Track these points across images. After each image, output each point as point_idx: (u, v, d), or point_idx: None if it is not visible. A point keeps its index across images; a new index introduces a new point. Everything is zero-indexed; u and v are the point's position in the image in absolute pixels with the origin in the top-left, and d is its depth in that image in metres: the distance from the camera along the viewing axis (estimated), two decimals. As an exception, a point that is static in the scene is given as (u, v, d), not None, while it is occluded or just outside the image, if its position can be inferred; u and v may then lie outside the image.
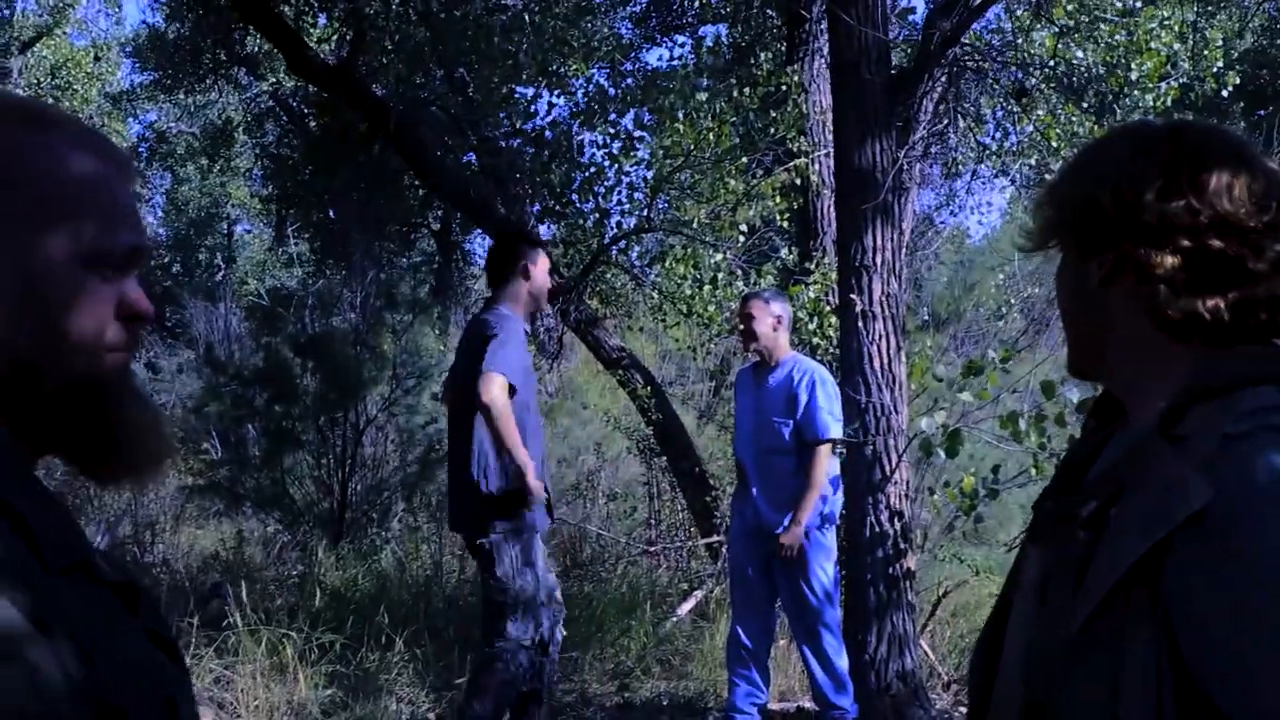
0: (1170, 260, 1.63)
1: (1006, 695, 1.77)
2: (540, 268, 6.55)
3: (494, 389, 5.95)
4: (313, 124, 16.18)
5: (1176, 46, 10.26)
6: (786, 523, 6.91)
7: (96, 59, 27.97)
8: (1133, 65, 10.03)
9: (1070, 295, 1.83)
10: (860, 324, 7.16)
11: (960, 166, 12.23)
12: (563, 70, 12.56)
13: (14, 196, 1.30)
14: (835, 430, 6.94)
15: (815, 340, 9.67)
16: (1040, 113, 10.18)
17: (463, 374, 6.36)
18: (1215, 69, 10.99)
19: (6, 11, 26.52)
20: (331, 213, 17.13)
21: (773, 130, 10.45)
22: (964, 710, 7.66)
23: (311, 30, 13.73)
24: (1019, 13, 10.27)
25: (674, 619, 9.28)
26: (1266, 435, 1.49)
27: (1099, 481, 1.70)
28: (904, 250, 7.61)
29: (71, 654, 1.22)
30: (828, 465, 6.97)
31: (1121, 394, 1.83)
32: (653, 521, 11.52)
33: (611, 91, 12.23)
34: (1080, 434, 1.99)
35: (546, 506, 6.42)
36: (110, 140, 1.50)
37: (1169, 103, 10.59)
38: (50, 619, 1.21)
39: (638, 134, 11.34)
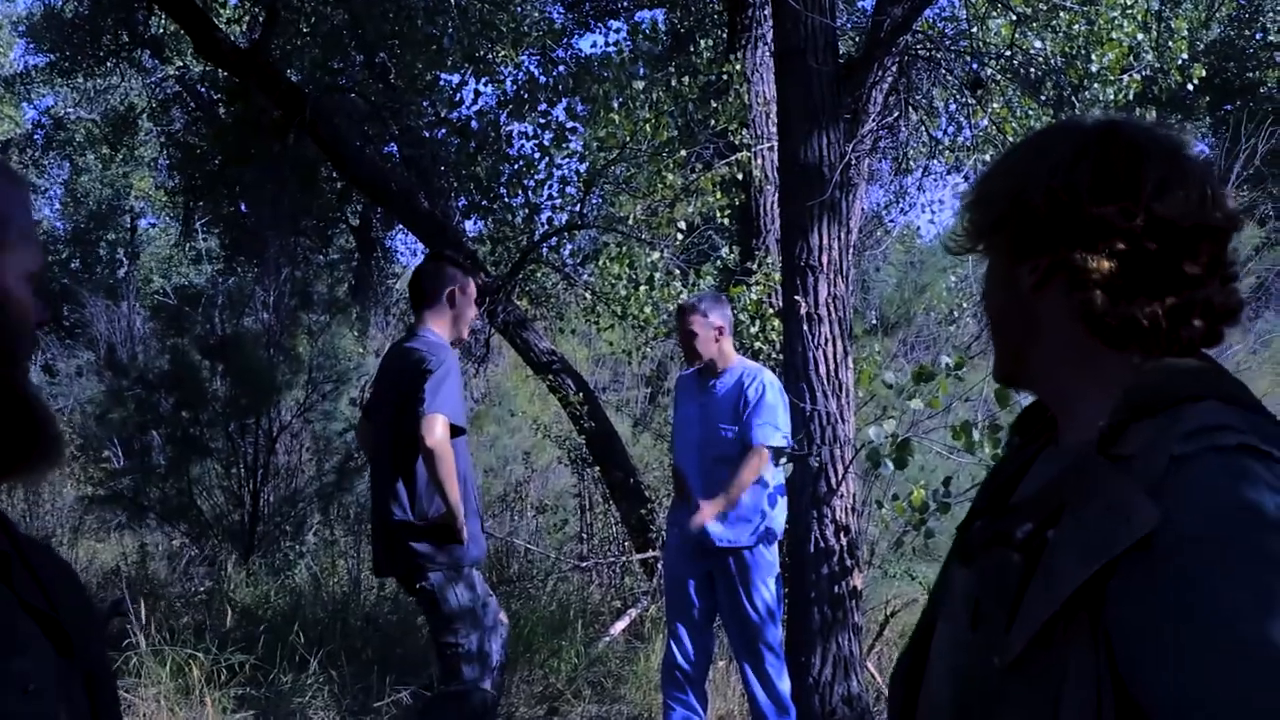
0: (1106, 264, 1.66)
1: (934, 715, 1.80)
2: (469, 295, 6.47)
3: (438, 431, 5.86)
4: (223, 111, 16.00)
5: (1139, 37, 10.30)
6: (737, 538, 6.93)
7: None
8: (1093, 56, 10.08)
9: (999, 300, 1.85)
10: (805, 327, 7.14)
11: (911, 162, 12.22)
12: (490, 56, 12.50)
13: None
14: (773, 439, 6.91)
15: (757, 344, 9.66)
16: (996, 105, 10.21)
17: (390, 406, 6.24)
18: (1180, 61, 11.02)
19: None
20: (243, 206, 16.96)
21: (713, 122, 10.42)
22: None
23: (221, 10, 13.64)
24: (974, 3, 10.35)
25: (606, 639, 9.25)
26: (1214, 457, 1.50)
27: (1034, 502, 1.71)
28: (851, 250, 7.61)
29: None
30: (760, 469, 6.92)
31: (1052, 404, 1.85)
32: (584, 535, 11.48)
33: (542, 79, 12.18)
34: (1005, 450, 2.02)
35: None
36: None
37: (1131, 96, 10.64)
38: None
39: (570, 125, 11.28)
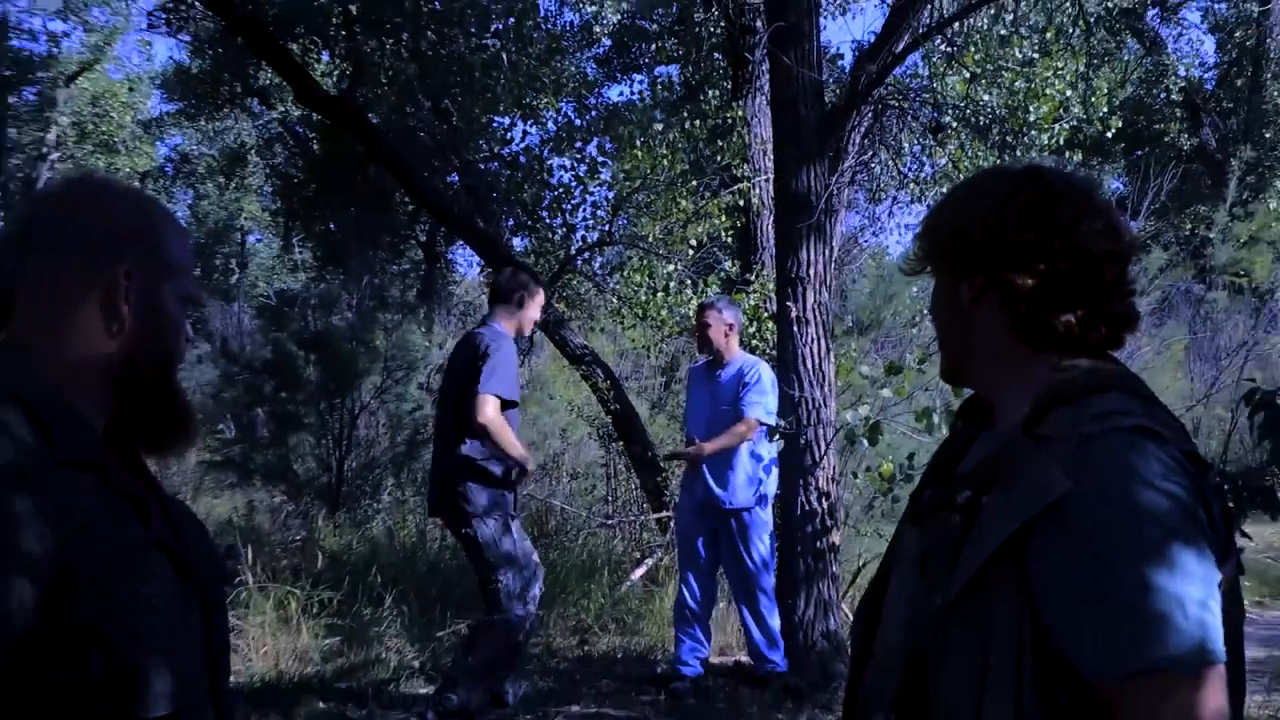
0: (1029, 281, 1.71)
1: (888, 650, 1.78)
2: (536, 302, 6.47)
3: (488, 410, 5.89)
4: (316, 148, 16.00)
5: (1069, 93, 10.51)
6: (738, 501, 6.93)
7: (130, 90, 28.02)
8: (1031, 108, 10.24)
9: (944, 313, 1.87)
10: (795, 329, 7.14)
11: (882, 193, 12.22)
12: (534, 103, 12.51)
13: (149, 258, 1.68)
14: (760, 414, 6.92)
15: (754, 343, 9.63)
16: (952, 147, 10.20)
17: (456, 377, 6.24)
18: (1101, 114, 11.17)
19: (55, 49, 26.44)
20: (332, 225, 16.98)
21: (719, 158, 10.43)
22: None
23: (315, 65, 13.58)
24: (935, 60, 10.34)
25: (628, 583, 9.20)
26: (1114, 436, 1.56)
27: (972, 474, 1.72)
28: (833, 265, 7.56)
29: (50, 538, 1.42)
30: (746, 435, 6.93)
31: (987, 396, 1.89)
32: (610, 498, 11.43)
33: (578, 122, 12.18)
34: (950, 433, 2.05)
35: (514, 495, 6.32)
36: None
37: (1061, 141, 10.78)
38: (42, 499, 1.43)
39: (601, 160, 11.28)
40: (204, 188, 25.29)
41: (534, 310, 6.47)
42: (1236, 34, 23.01)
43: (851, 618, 7.17)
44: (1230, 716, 1.50)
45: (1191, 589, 1.46)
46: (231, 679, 6.80)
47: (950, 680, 1.61)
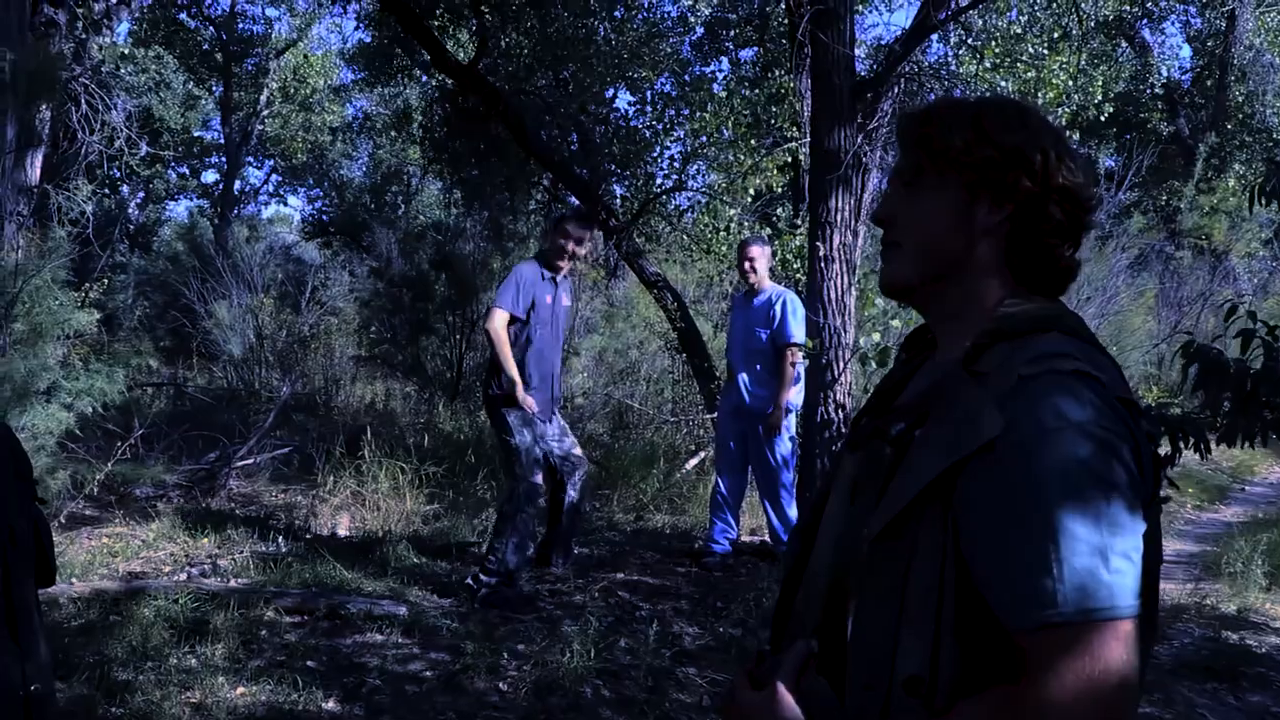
0: (1057, 216, 1.40)
1: (817, 576, 1.47)
2: (569, 238, 5.79)
3: (493, 320, 5.67)
4: (450, 110, 15.74)
5: (1071, 84, 10.28)
6: (767, 408, 6.52)
7: (325, 59, 28.57)
8: (1038, 94, 9.86)
9: (941, 225, 1.44)
10: (822, 265, 6.76)
11: None
12: (635, 76, 12.15)
13: None
14: (800, 338, 6.49)
15: (798, 276, 9.20)
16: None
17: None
18: (1096, 101, 11.10)
19: (268, 29, 27.21)
20: (474, 172, 16.82)
21: (774, 122, 9.92)
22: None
23: (453, 37, 13.28)
24: (961, 53, 10.28)
25: (682, 471, 8.83)
26: (1052, 378, 1.26)
27: (908, 406, 1.43)
28: (862, 213, 7.04)
29: None
30: (794, 366, 6.51)
31: (936, 324, 1.51)
32: (675, 400, 11.05)
33: (673, 94, 11.84)
34: (894, 363, 1.66)
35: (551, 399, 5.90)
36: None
37: (1064, 123, 10.80)
38: None
39: (678, 119, 10.95)
40: (379, 140, 25.67)
41: (568, 248, 5.80)
42: (1208, 43, 22.99)
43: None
44: (1141, 660, 1.21)
45: (1115, 540, 1.19)
46: (342, 533, 6.58)
47: (869, 612, 1.31)
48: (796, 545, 1.58)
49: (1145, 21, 22.15)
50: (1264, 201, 3.51)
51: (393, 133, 24.33)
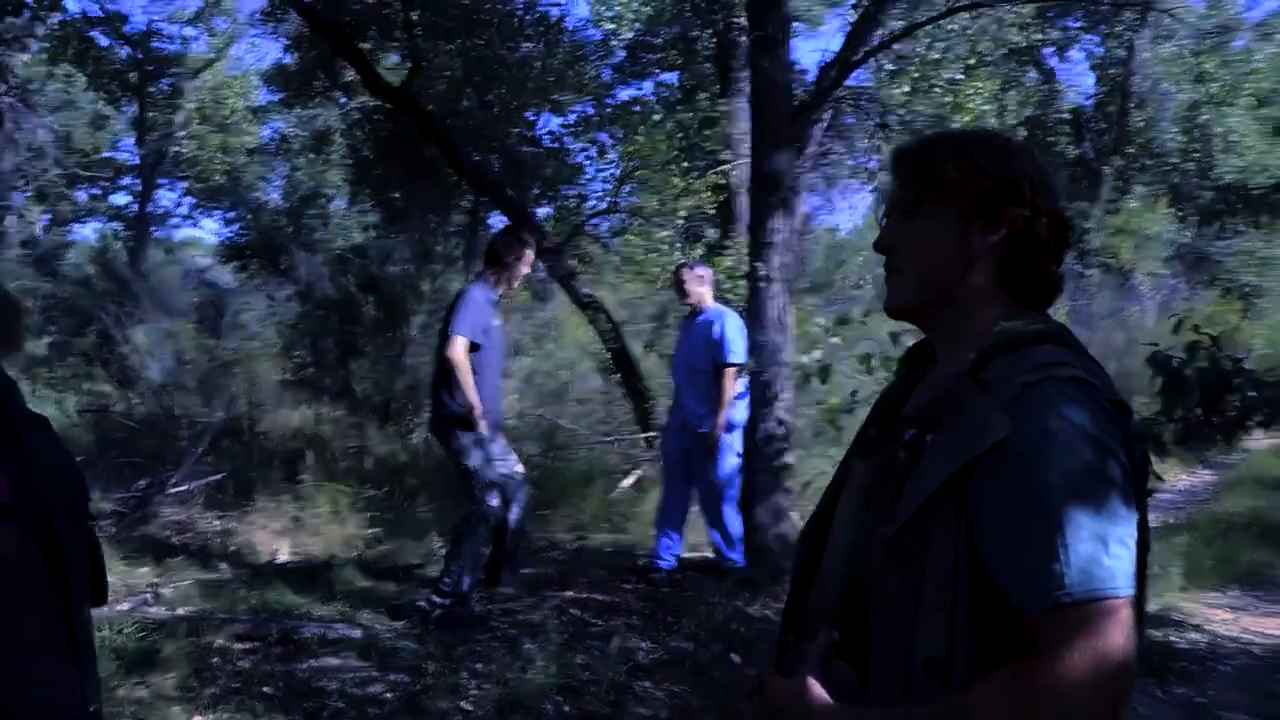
0: (1046, 237, 1.53)
1: (832, 573, 1.56)
2: (523, 260, 5.96)
3: (454, 348, 5.60)
4: (377, 131, 15.63)
5: (986, 107, 10.68)
6: (708, 426, 6.61)
7: (243, 80, 28.21)
8: (955, 118, 10.20)
9: (941, 251, 1.55)
10: (763, 285, 6.84)
11: (836, 179, 12.33)
12: (560, 98, 12.23)
13: None
14: (738, 358, 6.61)
15: (729, 297, 9.33)
16: (892, 145, 10.07)
17: (443, 321, 5.93)
18: (1009, 125, 11.89)
19: (185, 49, 26.74)
20: (395, 195, 16.72)
21: (706, 146, 10.07)
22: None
23: (382, 60, 13.24)
24: (882, 75, 10.46)
25: (620, 489, 8.88)
26: (1052, 385, 1.38)
27: (919, 414, 1.52)
28: (798, 235, 7.21)
29: None
30: (734, 385, 6.60)
31: (939, 340, 1.62)
32: (607, 420, 11.09)
33: (594, 116, 11.90)
34: (894, 376, 1.78)
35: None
36: None
37: None
38: None
39: (610, 144, 11.03)
40: (297, 162, 25.39)
41: (521, 268, 5.97)
42: (1110, 71, 23.92)
43: (800, 523, 6.92)
44: (1137, 634, 1.34)
45: (1115, 528, 1.31)
46: (289, 557, 6.52)
47: (888, 603, 1.42)
48: (805, 547, 1.67)
49: (1053, 50, 22.88)
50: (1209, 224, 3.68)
51: (311, 154, 24.11)
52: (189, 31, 27.05)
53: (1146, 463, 1.47)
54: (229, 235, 25.03)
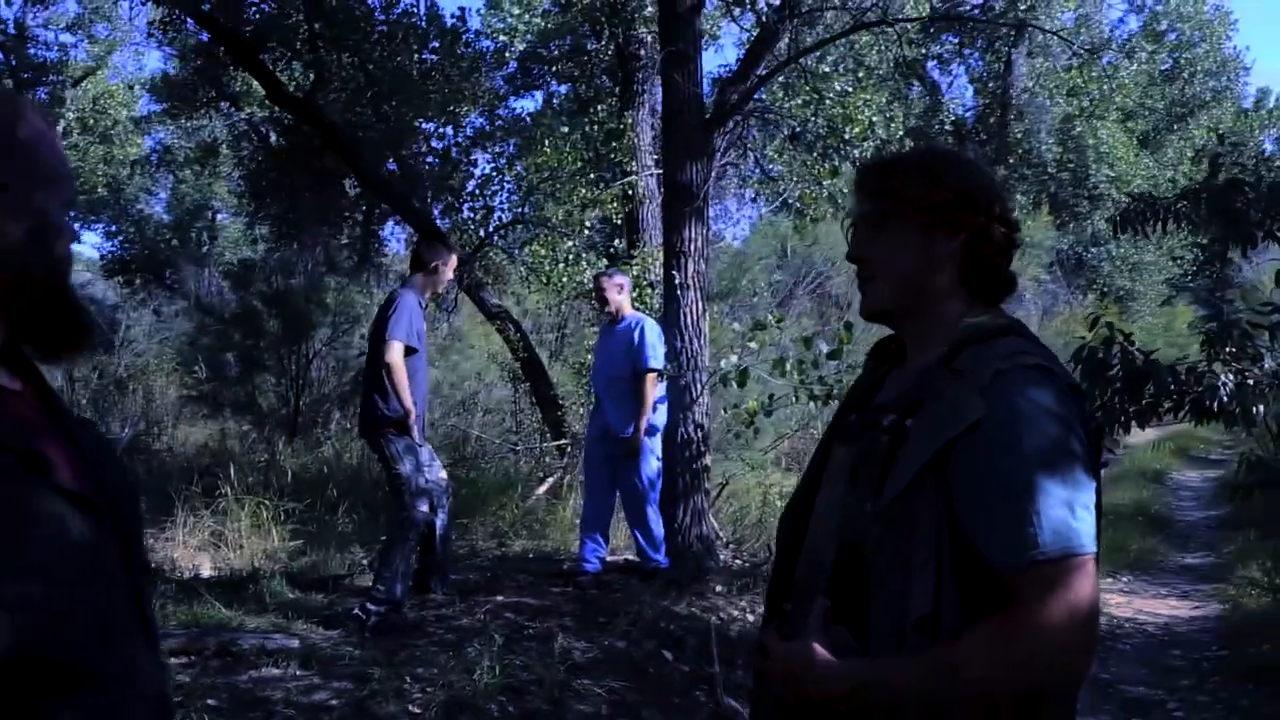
0: (999, 239, 1.72)
1: (821, 547, 1.72)
2: (448, 266, 6.13)
3: (391, 353, 5.67)
4: (276, 142, 15.39)
5: (874, 119, 10.82)
6: (629, 431, 6.71)
7: (130, 90, 27.27)
8: (845, 129, 10.46)
9: (909, 259, 1.73)
10: (679, 292, 7.02)
11: (733, 191, 12.55)
12: (457, 110, 12.24)
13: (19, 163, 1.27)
14: (657, 364, 6.74)
15: (635, 305, 9.47)
16: (786, 156, 10.38)
17: (374, 327, 5.99)
18: (897, 136, 11.74)
19: (64, 57, 25.75)
20: (288, 207, 16.46)
21: (612, 156, 10.19)
22: (740, 561, 7.52)
23: (283, 71, 13.10)
24: (774, 88, 10.60)
25: (535, 497, 8.97)
26: (1019, 371, 1.55)
27: (897, 401, 1.68)
28: (708, 242, 7.40)
29: None
30: (654, 390, 6.74)
31: (909, 337, 1.79)
32: (516, 429, 11.18)
33: (487, 128, 11.95)
34: (863, 371, 1.95)
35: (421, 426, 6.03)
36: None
37: (869, 155, 10.97)
38: None
39: (514, 155, 11.07)
40: (182, 174, 24.67)
41: (447, 273, 6.15)
42: (990, 85, 24.73)
43: (717, 525, 7.10)
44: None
45: (1079, 495, 1.49)
46: (212, 572, 6.48)
47: (883, 571, 1.58)
48: (788, 525, 1.85)
49: (935, 64, 23.76)
50: (1120, 231, 4.01)
51: (197, 167, 23.58)
52: (66, 38, 26.14)
53: (1100, 438, 1.66)
54: (111, 249, 24.28)
